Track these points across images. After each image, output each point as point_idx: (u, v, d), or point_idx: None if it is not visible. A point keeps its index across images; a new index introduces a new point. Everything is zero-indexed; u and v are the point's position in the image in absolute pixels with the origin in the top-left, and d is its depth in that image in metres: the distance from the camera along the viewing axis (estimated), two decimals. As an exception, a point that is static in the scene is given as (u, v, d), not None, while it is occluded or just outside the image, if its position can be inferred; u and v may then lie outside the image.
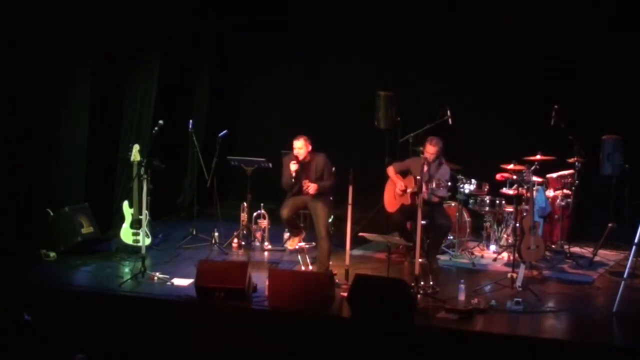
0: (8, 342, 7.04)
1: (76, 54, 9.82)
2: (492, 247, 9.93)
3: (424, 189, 8.78)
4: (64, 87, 9.82)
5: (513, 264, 8.70)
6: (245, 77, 12.42)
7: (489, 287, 8.57)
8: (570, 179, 9.91)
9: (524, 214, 9.20)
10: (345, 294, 7.84)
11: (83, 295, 8.20)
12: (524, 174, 9.33)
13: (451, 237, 9.89)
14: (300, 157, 8.91)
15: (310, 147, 8.97)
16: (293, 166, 8.88)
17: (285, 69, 11.92)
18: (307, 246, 9.11)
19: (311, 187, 8.83)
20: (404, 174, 9.45)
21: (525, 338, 7.29)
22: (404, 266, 9.33)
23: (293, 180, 8.90)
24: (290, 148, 9.00)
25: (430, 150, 9.19)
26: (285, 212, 9.04)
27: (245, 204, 9.90)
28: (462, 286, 8.09)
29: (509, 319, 7.68)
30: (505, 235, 9.89)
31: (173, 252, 9.71)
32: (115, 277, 8.59)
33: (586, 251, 9.89)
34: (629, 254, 7.98)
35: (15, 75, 9.11)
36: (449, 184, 9.16)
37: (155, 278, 8.50)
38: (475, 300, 7.85)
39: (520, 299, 7.89)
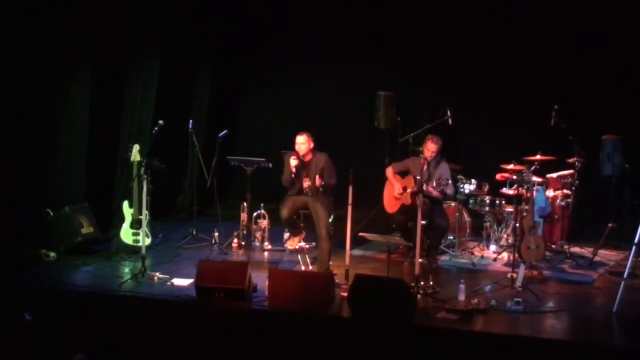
0: (8, 342, 7.03)
1: (76, 54, 9.82)
2: (492, 247, 9.93)
3: (426, 186, 8.79)
4: (64, 87, 9.82)
5: (513, 264, 8.70)
6: (245, 78, 12.43)
7: (489, 287, 8.57)
8: (570, 179, 9.91)
9: (524, 214, 9.21)
10: (345, 294, 7.84)
11: (83, 295, 8.20)
12: (524, 174, 9.33)
13: (451, 237, 9.90)
14: (301, 153, 8.91)
15: (312, 145, 8.97)
16: (293, 161, 8.89)
17: (285, 69, 11.93)
18: (307, 246, 9.10)
19: (316, 180, 8.80)
20: (402, 174, 9.46)
21: (525, 338, 7.29)
22: (404, 266, 9.33)
23: (293, 175, 8.90)
24: (291, 147, 9.00)
25: (432, 147, 9.20)
26: (285, 212, 9.04)
27: (245, 204, 9.90)
28: (462, 286, 8.08)
29: (509, 319, 7.68)
30: (505, 235, 9.89)
31: (173, 252, 9.71)
32: (115, 277, 8.59)
33: (586, 251, 9.89)
34: (629, 254, 7.98)
35: (15, 75, 9.11)
36: (449, 181, 9.17)
37: (155, 278, 8.50)
38: (475, 300, 7.84)
39: (520, 299, 7.88)
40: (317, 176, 8.81)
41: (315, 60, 11.72)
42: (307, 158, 8.98)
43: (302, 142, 8.94)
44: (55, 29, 9.39)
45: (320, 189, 8.85)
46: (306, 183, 8.91)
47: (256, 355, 7.45)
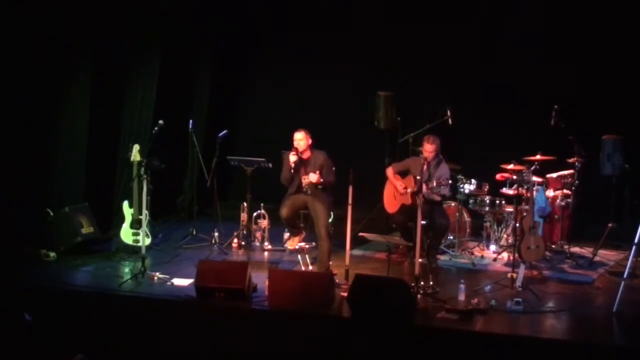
0: (8, 342, 7.03)
1: (76, 54, 9.82)
2: (492, 247, 9.93)
3: (425, 187, 8.79)
4: (64, 86, 9.82)
5: (513, 264, 8.70)
6: (245, 77, 12.43)
7: (489, 287, 8.57)
8: (570, 179, 9.91)
9: (524, 214, 9.21)
10: (345, 294, 7.84)
11: (83, 295, 8.20)
12: (524, 174, 9.33)
13: (451, 237, 9.90)
14: (300, 149, 8.91)
15: (310, 141, 8.97)
16: (292, 157, 8.88)
17: (285, 69, 11.93)
18: (307, 246, 9.10)
19: (312, 176, 8.80)
20: (403, 174, 9.46)
21: (525, 338, 7.29)
22: (404, 266, 9.32)
23: (292, 171, 8.89)
24: (291, 147, 9.00)
25: (429, 148, 9.20)
26: (284, 211, 9.03)
27: (245, 204, 9.90)
28: (462, 286, 8.09)
29: (509, 319, 7.68)
30: (505, 235, 9.89)
31: (173, 252, 9.71)
32: (115, 277, 8.59)
33: (586, 251, 9.89)
34: (629, 254, 7.98)
35: (15, 74, 9.11)
36: (450, 182, 9.17)
37: (155, 278, 8.50)
38: (475, 300, 7.84)
39: (520, 299, 7.88)
40: (317, 172, 8.80)
41: (315, 60, 11.72)
42: (306, 155, 8.97)
43: (300, 139, 8.94)
44: (55, 29, 9.39)
45: (319, 186, 8.84)
46: (305, 180, 8.91)
47: (256, 355, 7.45)
